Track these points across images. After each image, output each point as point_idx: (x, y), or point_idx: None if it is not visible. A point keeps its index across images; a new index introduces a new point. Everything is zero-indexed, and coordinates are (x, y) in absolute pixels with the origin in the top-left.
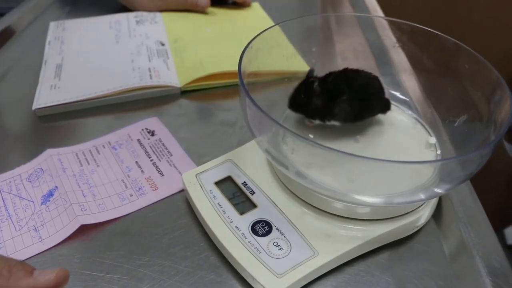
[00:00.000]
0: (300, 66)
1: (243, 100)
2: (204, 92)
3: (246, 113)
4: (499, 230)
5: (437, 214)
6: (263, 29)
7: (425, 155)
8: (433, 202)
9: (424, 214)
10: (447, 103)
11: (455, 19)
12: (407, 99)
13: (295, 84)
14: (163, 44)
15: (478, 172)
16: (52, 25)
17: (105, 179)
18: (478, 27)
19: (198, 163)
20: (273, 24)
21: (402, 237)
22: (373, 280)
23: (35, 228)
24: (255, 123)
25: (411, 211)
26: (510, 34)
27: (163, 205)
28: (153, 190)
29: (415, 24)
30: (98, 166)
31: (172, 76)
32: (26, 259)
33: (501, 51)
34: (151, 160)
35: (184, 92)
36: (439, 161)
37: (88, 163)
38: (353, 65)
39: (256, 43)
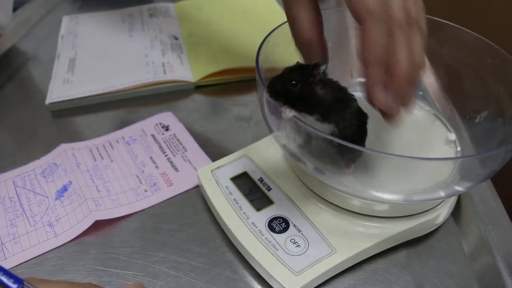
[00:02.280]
0: None
1: (260, 94)
2: (219, 87)
3: (264, 108)
4: None
5: (457, 212)
6: (277, 23)
7: (444, 152)
8: (452, 199)
9: (443, 212)
10: (467, 99)
11: (471, 12)
12: (425, 95)
13: None
14: (176, 38)
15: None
16: (65, 19)
17: (119, 175)
18: (495, 21)
19: (213, 159)
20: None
21: (420, 235)
22: (391, 278)
23: (50, 224)
24: (272, 118)
25: (430, 209)
26: None
27: (178, 201)
28: (167, 185)
29: (434, 18)
30: (112, 161)
31: (186, 71)
32: (41, 254)
33: None
34: (166, 156)
35: (198, 87)
36: (461, 158)
37: (102, 158)
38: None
39: (273, 37)
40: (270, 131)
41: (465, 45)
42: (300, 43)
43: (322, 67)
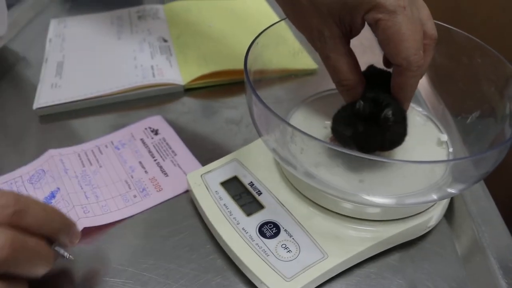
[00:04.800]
0: (307, 63)
1: (249, 97)
2: (208, 89)
3: (253, 111)
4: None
5: (449, 214)
6: (267, 25)
7: (436, 153)
8: (445, 201)
9: (436, 214)
10: (459, 99)
11: (462, 12)
12: (417, 95)
13: (302, 81)
14: (165, 41)
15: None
16: (53, 22)
17: (108, 180)
18: (485, 21)
19: (203, 163)
20: (276, 18)
21: (413, 238)
22: (384, 282)
23: None
24: (261, 122)
25: (423, 211)
26: None
27: (168, 207)
28: (157, 191)
29: None
30: (100, 166)
31: (175, 74)
32: None
33: (509, 45)
34: (155, 160)
35: (188, 90)
36: (452, 161)
37: (91, 164)
38: (361, 60)
39: (262, 39)
40: (259, 134)
41: (456, 45)
42: (344, 86)
43: (390, 113)
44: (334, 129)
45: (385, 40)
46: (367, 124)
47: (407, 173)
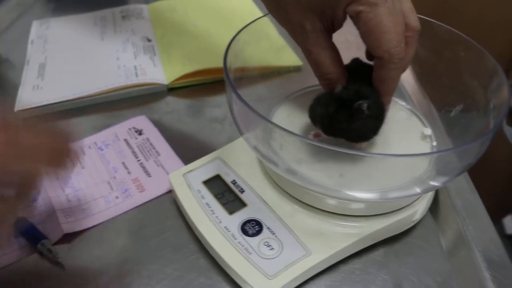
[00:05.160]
0: (290, 59)
1: (229, 95)
2: (192, 88)
3: (233, 110)
4: (498, 220)
5: (434, 207)
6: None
7: (420, 147)
8: (430, 195)
9: (420, 208)
10: (442, 92)
11: (451, 9)
12: (401, 89)
13: (286, 78)
14: (149, 40)
15: (479, 164)
16: (35, 24)
17: (90, 182)
18: (474, 17)
19: (187, 162)
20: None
21: (398, 232)
22: (368, 278)
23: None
24: (242, 119)
25: (407, 205)
26: (506, 24)
27: (150, 207)
28: (139, 191)
29: None
30: (83, 168)
31: (159, 73)
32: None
33: (498, 41)
34: (138, 161)
35: (172, 89)
36: (433, 153)
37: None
38: (345, 55)
39: (243, 36)
40: (240, 133)
41: (439, 38)
42: (326, 80)
43: (365, 105)
44: (310, 108)
45: (366, 32)
46: (340, 109)
47: (390, 167)
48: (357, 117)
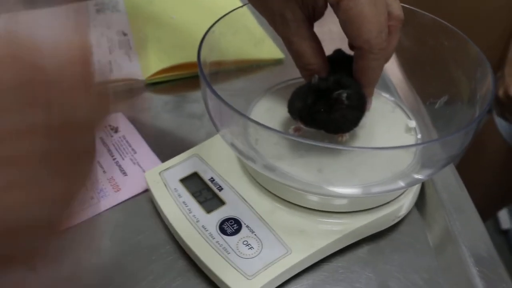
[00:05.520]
0: (271, 51)
1: (203, 91)
2: (170, 83)
3: (208, 105)
4: (493, 215)
5: (420, 202)
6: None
7: (404, 140)
8: (415, 189)
9: (405, 203)
10: (427, 83)
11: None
12: (386, 81)
13: (267, 71)
14: (125, 34)
15: (468, 154)
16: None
17: None
18: (466, 7)
19: (164, 160)
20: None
21: (382, 228)
22: (352, 276)
23: None
24: (217, 115)
25: (392, 200)
26: (499, 14)
27: (127, 207)
28: (115, 191)
29: None
30: None
31: (135, 69)
32: None
33: (491, 31)
34: (114, 159)
35: (149, 85)
36: (416, 146)
37: None
38: (329, 47)
39: (219, 27)
40: (216, 129)
41: (422, 27)
42: (307, 71)
43: (344, 95)
44: (288, 102)
45: (346, 21)
46: (319, 100)
47: (372, 161)
48: (337, 108)
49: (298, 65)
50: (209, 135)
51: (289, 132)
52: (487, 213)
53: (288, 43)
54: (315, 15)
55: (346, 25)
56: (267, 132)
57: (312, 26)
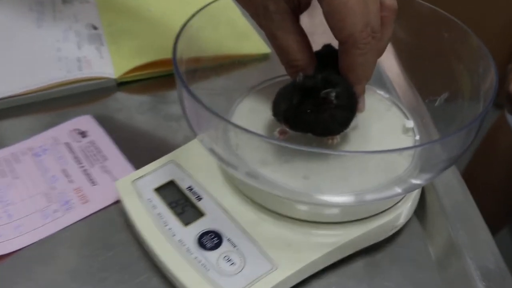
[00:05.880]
0: (256, 46)
1: (179, 91)
2: (145, 82)
3: (184, 106)
4: (507, 223)
5: (420, 210)
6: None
7: (401, 142)
8: (415, 195)
9: (404, 211)
10: (425, 79)
11: None
12: (383, 77)
13: (251, 68)
14: (95, 28)
15: (477, 155)
16: None
17: (24, 194)
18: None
19: (138, 167)
20: None
21: (379, 240)
22: None
23: None
24: (194, 118)
25: (388, 209)
26: (503, 6)
27: (95, 221)
28: (82, 203)
29: None
30: (16, 178)
31: (107, 66)
32: None
33: (497, 21)
34: (82, 167)
35: (122, 84)
36: (413, 148)
37: (5, 175)
38: (320, 40)
39: (198, 20)
40: (194, 133)
41: (420, 18)
42: (293, 68)
43: (333, 94)
44: (272, 103)
45: (329, 13)
46: (305, 100)
47: (365, 166)
48: (325, 108)
49: (283, 61)
50: (187, 139)
51: (274, 135)
52: (500, 222)
53: (271, 38)
54: (300, 6)
55: (329, 17)
56: (249, 136)
57: (297, 19)
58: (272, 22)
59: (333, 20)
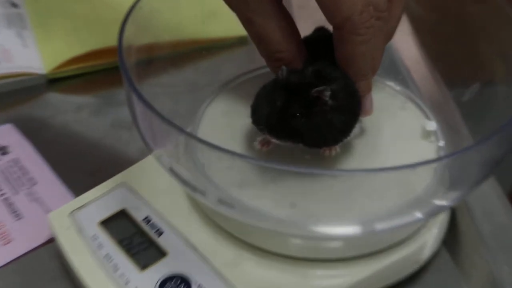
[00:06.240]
0: (228, 27)
1: (127, 91)
2: (84, 78)
3: (135, 114)
4: None
5: (451, 239)
6: None
7: (420, 150)
8: (442, 220)
9: (429, 241)
10: (449, 67)
11: None
12: (395, 63)
13: (224, 57)
14: (15, 5)
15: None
16: None
17: None
18: None
19: (77, 193)
20: None
21: (398, 280)
22: None
23: None
24: (148, 129)
25: (408, 238)
26: None
27: (22, 266)
28: (3, 243)
29: None
30: None
31: (33, 58)
32: None
33: None
34: (2, 195)
35: (54, 81)
36: (436, 161)
37: None
38: (309, 24)
39: (151, 2)
40: (148, 148)
41: None
42: (276, 62)
43: (327, 92)
44: (251, 107)
45: None
46: (292, 101)
47: (373, 185)
48: (318, 110)
49: (263, 53)
50: (142, 154)
51: (255, 146)
52: None
53: (247, 24)
54: None
55: None
56: (218, 154)
57: (281, 2)
58: (246, 3)
59: (325, 0)
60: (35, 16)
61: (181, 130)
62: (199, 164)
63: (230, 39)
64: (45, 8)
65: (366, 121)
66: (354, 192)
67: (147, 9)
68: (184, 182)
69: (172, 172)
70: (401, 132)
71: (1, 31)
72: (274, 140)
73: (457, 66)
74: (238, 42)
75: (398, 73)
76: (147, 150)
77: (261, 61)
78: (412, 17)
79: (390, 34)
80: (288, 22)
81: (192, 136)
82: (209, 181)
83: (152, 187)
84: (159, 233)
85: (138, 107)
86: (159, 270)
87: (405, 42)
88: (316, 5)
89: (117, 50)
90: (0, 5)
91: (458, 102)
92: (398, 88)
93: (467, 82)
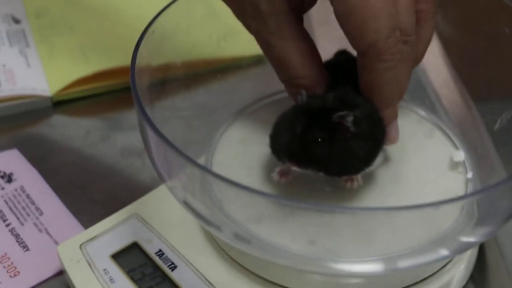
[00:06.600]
0: (240, 48)
1: (139, 118)
2: (92, 101)
3: (147, 142)
4: None
5: (479, 274)
6: None
7: (447, 182)
8: (470, 254)
9: (455, 277)
10: (480, 91)
11: None
12: (425, 85)
13: (241, 78)
14: (17, 21)
15: None
16: None
17: None
18: None
19: (88, 225)
20: None
21: None
22: None
23: None
24: (161, 160)
25: (433, 274)
26: None
27: None
28: (10, 276)
29: None
30: None
31: (37, 79)
32: None
33: None
34: (8, 225)
35: (59, 104)
36: (465, 199)
37: None
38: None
39: (161, 25)
40: (162, 179)
41: (472, 8)
42: (296, 87)
43: (350, 118)
44: (270, 135)
45: (343, 15)
46: (312, 126)
47: (396, 222)
48: (338, 137)
49: (282, 78)
50: (155, 183)
51: (273, 177)
52: None
53: (265, 47)
54: (304, 4)
55: (344, 20)
56: (236, 190)
57: (300, 20)
58: (265, 26)
59: (348, 25)
60: (39, 33)
61: (197, 164)
62: (214, 199)
63: (247, 58)
64: (49, 24)
65: (390, 149)
66: (376, 229)
67: (158, 34)
68: (198, 215)
69: (186, 205)
70: (427, 162)
71: (4, 49)
72: (294, 168)
73: (488, 90)
74: (255, 62)
75: (425, 97)
76: (159, 179)
77: (278, 84)
78: (441, 37)
79: (418, 58)
80: (309, 45)
81: (209, 171)
82: (225, 216)
83: (165, 219)
84: (173, 267)
85: (152, 138)
86: None
87: (433, 64)
88: (336, 26)
89: (128, 72)
90: (2, 21)
91: (489, 129)
92: (424, 113)
93: (499, 109)
